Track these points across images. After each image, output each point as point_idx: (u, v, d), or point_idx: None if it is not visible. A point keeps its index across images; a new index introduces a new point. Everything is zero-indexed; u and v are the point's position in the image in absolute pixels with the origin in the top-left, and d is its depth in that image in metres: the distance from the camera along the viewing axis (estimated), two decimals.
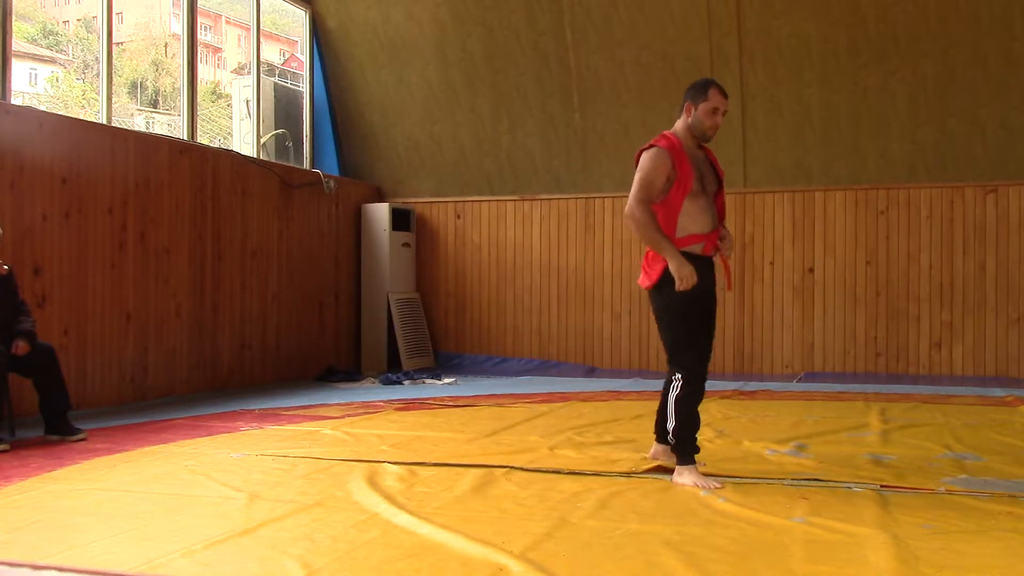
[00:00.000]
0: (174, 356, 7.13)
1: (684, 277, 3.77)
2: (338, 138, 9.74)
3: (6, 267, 5.04)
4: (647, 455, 4.29)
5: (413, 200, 9.74)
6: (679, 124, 4.00)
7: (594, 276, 9.22)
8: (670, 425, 3.90)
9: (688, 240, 3.89)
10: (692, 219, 3.90)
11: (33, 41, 20.63)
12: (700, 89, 3.96)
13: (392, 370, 8.90)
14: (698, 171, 3.94)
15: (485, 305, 9.55)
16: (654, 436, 4.26)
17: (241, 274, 7.87)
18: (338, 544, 2.96)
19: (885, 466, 4.21)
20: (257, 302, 8.06)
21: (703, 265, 3.90)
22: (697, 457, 3.96)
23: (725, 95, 3.98)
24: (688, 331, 3.90)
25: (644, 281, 3.99)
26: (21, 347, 4.96)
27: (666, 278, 3.87)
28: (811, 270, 8.60)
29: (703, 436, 4.95)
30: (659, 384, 4.11)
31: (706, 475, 3.87)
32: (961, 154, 8.25)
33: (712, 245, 3.95)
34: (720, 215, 4.06)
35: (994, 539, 2.97)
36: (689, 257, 3.86)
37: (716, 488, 3.69)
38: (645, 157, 3.92)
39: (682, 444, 3.88)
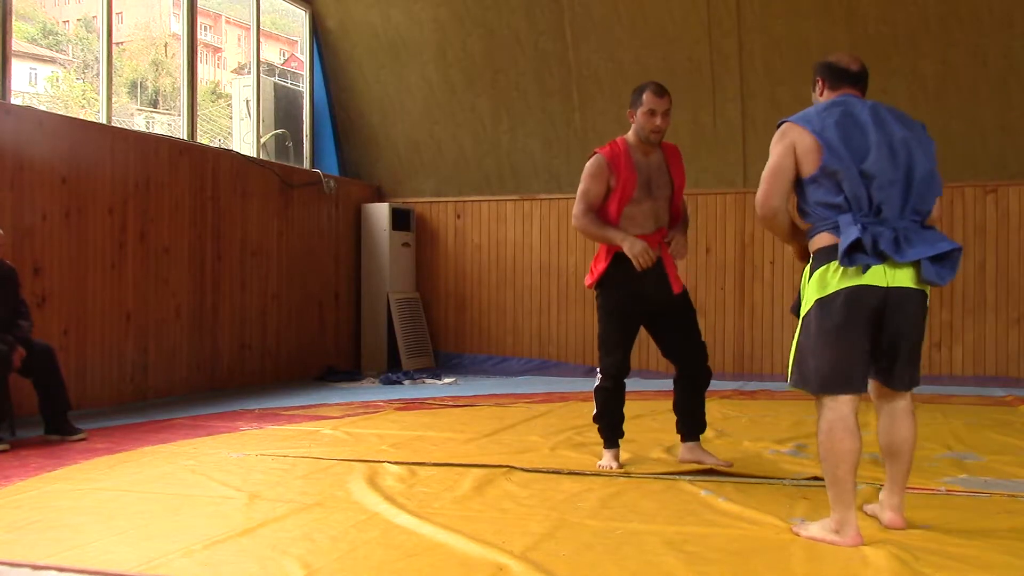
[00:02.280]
0: (174, 356, 7.12)
1: (638, 254, 3.90)
2: (338, 138, 9.73)
3: None
4: (677, 458, 4.30)
5: (413, 200, 9.74)
6: (631, 130, 4.11)
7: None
8: (593, 412, 4.25)
9: None
10: (632, 222, 4.02)
11: (33, 41, 20.63)
12: (636, 93, 4.06)
13: (392, 370, 8.90)
14: (643, 176, 4.02)
15: (485, 305, 9.55)
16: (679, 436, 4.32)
17: (241, 274, 7.87)
18: (338, 544, 2.96)
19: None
20: (257, 302, 8.06)
21: (635, 268, 3.97)
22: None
23: (660, 95, 4.00)
24: (608, 333, 4.14)
25: (588, 279, 4.24)
26: (20, 354, 4.98)
27: (602, 280, 4.13)
28: None
29: (702, 436, 4.96)
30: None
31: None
32: (961, 154, 8.24)
33: (654, 246, 4.00)
34: (675, 217, 4.16)
35: (994, 539, 2.97)
36: (625, 259, 3.98)
37: (615, 469, 4.04)
38: (586, 165, 4.07)
39: (600, 430, 4.23)
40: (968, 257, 8.21)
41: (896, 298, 2.93)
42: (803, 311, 3.03)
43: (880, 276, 2.90)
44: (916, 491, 3.66)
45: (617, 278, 4.07)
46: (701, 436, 4.32)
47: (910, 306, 2.96)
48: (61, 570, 2.71)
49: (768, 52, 8.39)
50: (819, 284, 2.96)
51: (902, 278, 2.92)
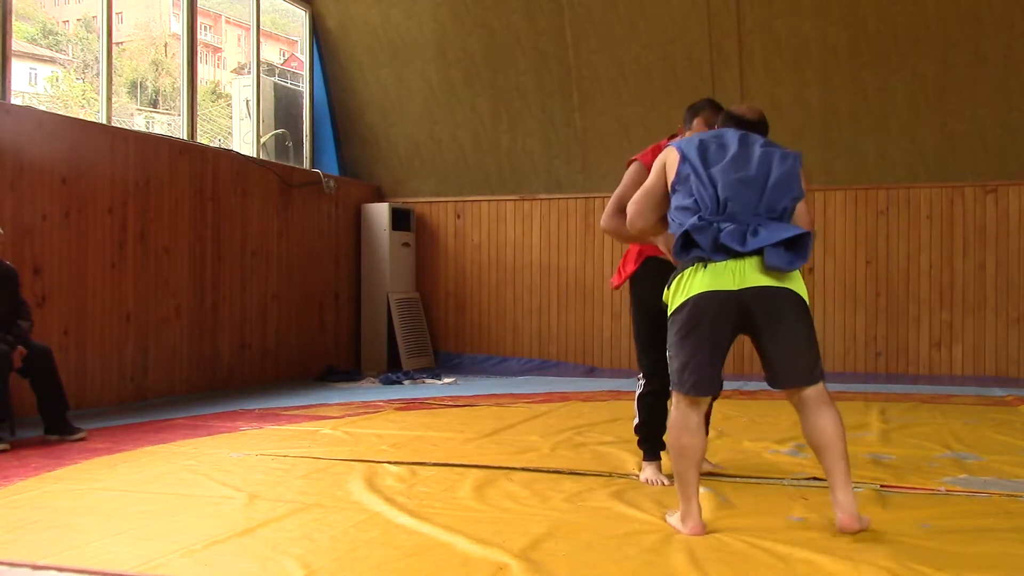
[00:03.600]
0: (174, 356, 7.12)
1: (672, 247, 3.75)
2: (338, 138, 9.74)
3: None
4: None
5: (413, 200, 9.74)
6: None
7: (594, 276, 9.22)
8: (634, 422, 4.04)
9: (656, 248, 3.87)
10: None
11: (33, 41, 20.62)
12: (691, 114, 3.88)
13: (392, 370, 8.90)
14: None
15: (485, 305, 9.55)
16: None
17: (241, 274, 7.87)
18: (338, 544, 2.96)
19: (885, 466, 4.21)
20: (257, 302, 8.06)
21: (669, 271, 3.90)
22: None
23: (711, 124, 3.71)
24: (642, 331, 3.99)
25: (615, 280, 4.12)
26: (20, 352, 4.99)
27: (634, 279, 4.01)
28: (811, 270, 8.60)
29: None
30: None
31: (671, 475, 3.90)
32: (961, 154, 8.25)
33: None
34: None
35: (994, 539, 2.97)
36: (657, 262, 3.90)
37: (666, 485, 3.77)
38: (627, 171, 3.96)
39: (644, 441, 4.00)
40: (968, 257, 8.21)
41: (755, 299, 2.96)
42: (668, 314, 3.12)
43: (728, 279, 2.95)
44: (916, 491, 3.67)
45: (646, 279, 3.97)
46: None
47: (774, 305, 2.97)
48: (61, 570, 2.71)
49: (768, 52, 8.40)
50: (674, 290, 3.07)
51: (753, 276, 2.95)
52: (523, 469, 4.13)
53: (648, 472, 3.94)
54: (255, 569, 2.73)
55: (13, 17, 6.22)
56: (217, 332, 7.57)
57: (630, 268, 4.04)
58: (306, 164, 9.49)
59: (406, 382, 8.16)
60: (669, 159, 3.17)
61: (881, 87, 8.28)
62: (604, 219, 3.97)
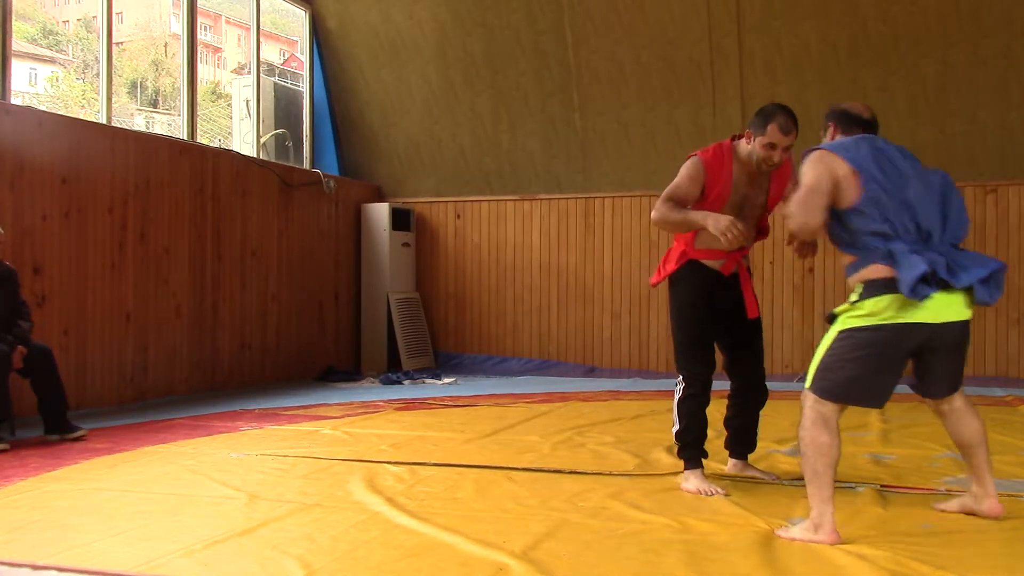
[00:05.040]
0: (174, 356, 7.12)
1: (724, 229, 3.51)
2: (338, 138, 9.74)
3: None
4: (725, 469, 4.08)
5: (413, 200, 9.74)
6: (746, 142, 3.84)
7: (594, 276, 9.22)
8: (674, 429, 3.85)
9: (707, 254, 3.79)
10: (711, 235, 3.66)
11: (33, 41, 20.62)
12: (763, 119, 3.71)
13: (392, 370, 8.90)
14: (737, 196, 3.78)
15: (485, 305, 9.55)
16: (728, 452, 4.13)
17: (241, 274, 7.87)
18: (338, 544, 2.96)
19: (885, 466, 4.21)
20: (257, 302, 8.06)
21: (716, 277, 3.82)
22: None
23: (787, 131, 3.63)
24: (684, 330, 3.82)
25: (654, 277, 3.98)
26: (20, 352, 4.99)
27: (673, 278, 3.86)
28: (811, 270, 8.61)
29: None
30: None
31: (713, 480, 3.82)
32: (961, 154, 8.24)
33: (732, 264, 3.84)
34: (763, 231, 3.98)
35: (994, 539, 2.97)
36: (704, 268, 3.80)
37: (719, 494, 3.62)
38: (685, 164, 3.84)
39: (686, 448, 3.80)
40: None
41: (947, 332, 3.00)
42: (842, 326, 3.03)
43: (931, 312, 2.93)
44: (916, 491, 3.67)
45: (684, 280, 3.84)
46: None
47: (959, 336, 3.05)
48: (61, 570, 2.71)
49: (768, 52, 8.39)
50: (869, 311, 2.97)
51: (950, 311, 2.95)
52: (523, 469, 4.13)
53: (694, 481, 3.72)
54: (255, 569, 2.73)
55: (13, 17, 6.22)
56: (217, 332, 7.57)
57: (670, 268, 3.88)
58: (306, 164, 9.49)
59: (406, 382, 8.16)
60: (840, 170, 2.99)
61: (881, 87, 8.27)
62: (656, 208, 3.75)
